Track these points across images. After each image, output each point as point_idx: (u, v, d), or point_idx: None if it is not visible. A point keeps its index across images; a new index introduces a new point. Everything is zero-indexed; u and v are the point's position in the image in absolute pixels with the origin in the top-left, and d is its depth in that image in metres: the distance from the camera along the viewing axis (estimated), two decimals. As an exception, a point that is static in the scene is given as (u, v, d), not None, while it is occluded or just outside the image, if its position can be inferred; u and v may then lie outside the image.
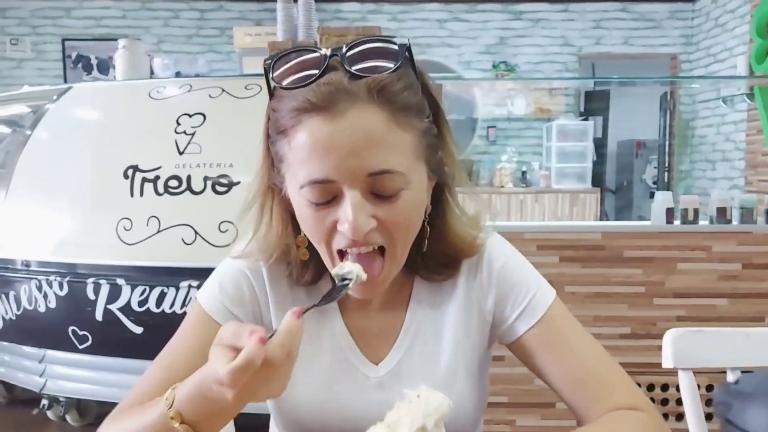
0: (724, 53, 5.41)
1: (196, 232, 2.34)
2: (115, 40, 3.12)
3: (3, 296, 2.58)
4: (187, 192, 2.38)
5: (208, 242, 2.33)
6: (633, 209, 6.79)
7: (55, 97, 2.78)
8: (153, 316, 2.33)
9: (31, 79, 5.63)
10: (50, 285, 2.45)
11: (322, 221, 0.66)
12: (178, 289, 2.31)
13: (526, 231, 2.39)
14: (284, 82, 0.65)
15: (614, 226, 2.61)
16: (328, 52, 0.65)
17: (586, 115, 6.19)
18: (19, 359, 2.70)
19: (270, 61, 0.67)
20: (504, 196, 5.59)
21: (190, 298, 2.31)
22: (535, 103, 6.01)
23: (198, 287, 2.30)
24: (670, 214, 2.49)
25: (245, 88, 2.56)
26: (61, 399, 2.63)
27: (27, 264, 2.52)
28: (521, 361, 0.80)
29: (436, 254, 0.76)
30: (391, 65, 0.65)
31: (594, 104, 6.46)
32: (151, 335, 2.34)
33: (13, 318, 2.58)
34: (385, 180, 0.64)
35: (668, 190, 6.14)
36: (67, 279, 2.43)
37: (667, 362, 1.10)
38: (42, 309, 2.49)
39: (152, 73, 3.02)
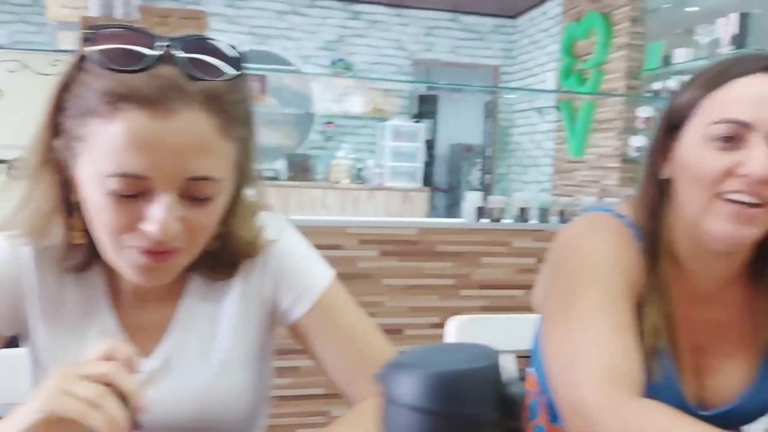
0: (537, 68, 5.97)
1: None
2: None
3: None
4: (-24, 175, 2.13)
5: (1, 232, 2.11)
6: (461, 207, 7.25)
7: None
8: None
9: None
10: None
11: (121, 214, 0.62)
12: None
13: (348, 226, 2.45)
14: (108, 60, 0.60)
15: (428, 222, 2.77)
16: (164, 42, 0.61)
17: (419, 117, 6.49)
18: None
19: (94, 30, 0.61)
20: (339, 191, 5.68)
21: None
22: (372, 102, 6.19)
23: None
24: (479, 212, 2.70)
25: (51, 63, 2.35)
26: None
27: None
28: (302, 345, 0.82)
29: (218, 254, 0.75)
30: (230, 73, 0.63)
31: (426, 107, 6.80)
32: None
33: None
34: (204, 186, 0.63)
35: (488, 191, 6.66)
36: None
37: (450, 347, 1.20)
38: None
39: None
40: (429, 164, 6.33)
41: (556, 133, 5.47)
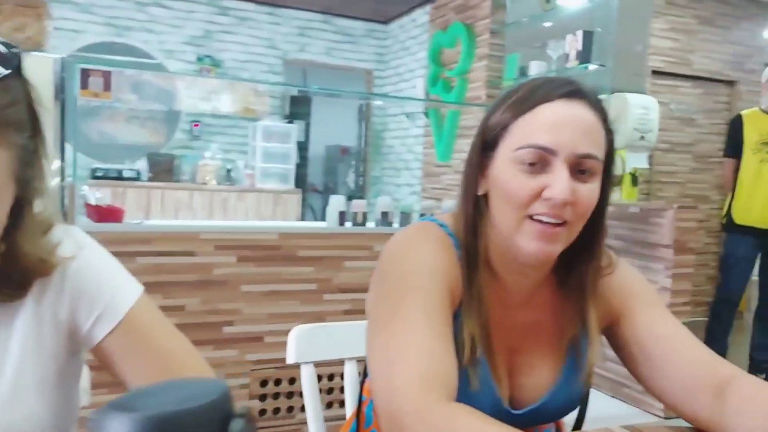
0: (408, 74, 6.11)
1: None
2: None
3: None
4: None
5: None
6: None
7: None
8: None
9: None
10: None
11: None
12: None
13: (203, 231, 2.35)
14: None
15: (290, 227, 2.73)
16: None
17: (291, 118, 6.40)
18: None
19: None
20: (207, 193, 5.47)
21: None
22: (242, 101, 6.02)
23: None
24: (342, 216, 2.69)
25: None
26: None
27: None
28: (107, 369, 0.76)
29: (3, 273, 0.68)
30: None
31: (299, 108, 6.73)
32: None
33: None
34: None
35: (362, 193, 6.72)
36: None
37: (290, 358, 1.17)
38: None
39: None
40: (302, 166, 6.27)
41: (425, 138, 5.62)
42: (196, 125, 5.87)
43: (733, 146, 3.90)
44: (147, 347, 0.74)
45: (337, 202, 2.72)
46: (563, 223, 0.79)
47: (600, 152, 0.81)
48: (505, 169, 0.81)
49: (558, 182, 0.77)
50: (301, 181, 6.20)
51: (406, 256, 0.84)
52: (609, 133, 0.83)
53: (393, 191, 6.29)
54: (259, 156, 5.87)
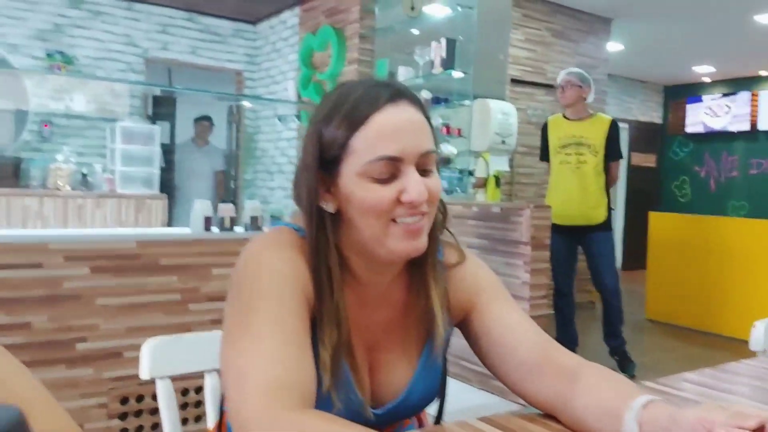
0: (280, 76, 6.02)
1: None
2: None
3: None
4: None
5: None
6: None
7: None
8: None
9: None
10: None
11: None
12: None
13: (51, 242, 2.15)
14: None
15: (150, 234, 2.57)
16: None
17: (154, 119, 6.07)
18: None
19: None
20: (60, 199, 5.03)
21: None
22: (98, 101, 5.62)
23: None
24: (208, 221, 2.59)
25: None
26: None
27: None
28: None
29: None
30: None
31: (162, 109, 6.40)
32: None
33: None
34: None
35: (234, 197, 6.52)
36: None
37: (144, 374, 1.09)
38: None
39: None
40: (167, 169, 5.96)
41: (298, 141, 5.57)
42: (46, 126, 5.39)
43: (543, 150, 4.21)
44: None
45: (202, 207, 2.61)
46: (422, 217, 0.84)
47: (433, 144, 0.85)
48: (357, 185, 0.82)
49: (413, 185, 0.81)
50: (166, 185, 5.90)
51: (258, 264, 0.83)
52: (430, 123, 0.88)
53: (266, 195, 6.17)
54: (119, 159, 5.50)
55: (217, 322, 2.45)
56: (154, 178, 5.70)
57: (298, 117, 5.43)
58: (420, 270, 0.92)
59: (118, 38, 5.70)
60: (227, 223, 2.64)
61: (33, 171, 5.18)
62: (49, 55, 5.33)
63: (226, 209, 2.64)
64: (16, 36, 5.24)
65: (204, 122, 6.03)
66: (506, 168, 4.42)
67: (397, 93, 0.84)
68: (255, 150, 6.42)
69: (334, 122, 0.83)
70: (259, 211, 2.71)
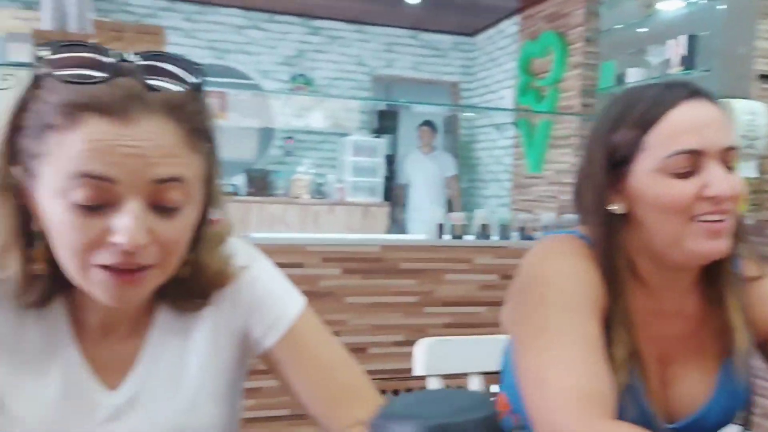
0: (496, 85, 6.07)
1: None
2: None
3: None
4: None
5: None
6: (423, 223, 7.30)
7: None
8: None
9: None
10: None
11: (86, 229, 0.59)
12: None
13: (308, 244, 2.43)
14: (65, 74, 0.59)
15: (392, 239, 2.76)
16: (119, 56, 0.61)
17: (379, 132, 6.51)
18: None
19: (50, 47, 0.60)
20: (299, 207, 5.64)
21: None
22: (332, 117, 6.18)
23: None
24: (441, 229, 2.71)
25: (2, 78, 2.27)
26: None
27: None
28: (274, 375, 0.80)
29: (187, 283, 0.72)
30: (187, 85, 0.63)
31: (386, 123, 6.82)
32: None
33: None
34: (171, 189, 0.61)
35: (450, 206, 6.71)
36: None
37: (418, 370, 1.19)
38: None
39: None
40: (390, 179, 6.35)
41: (514, 149, 5.56)
42: (288, 141, 6.08)
43: None
44: (311, 356, 0.78)
45: (435, 215, 2.74)
46: (726, 218, 0.80)
47: (734, 140, 0.82)
48: (653, 182, 0.81)
49: (717, 179, 0.79)
50: (389, 194, 6.28)
51: (546, 271, 0.84)
52: (731, 121, 0.84)
53: (481, 203, 6.24)
54: (349, 170, 6.00)
55: (450, 326, 2.57)
56: (378, 188, 6.11)
57: (516, 125, 5.42)
58: (716, 281, 0.88)
59: (350, 59, 6.22)
60: (458, 231, 2.74)
61: (279, 181, 5.87)
62: (293, 78, 6.00)
63: (457, 217, 2.74)
64: (267, 63, 5.99)
65: (424, 127, 5.77)
66: (755, 174, 3.95)
67: (695, 91, 0.82)
68: (469, 159, 6.54)
69: (626, 122, 0.83)
70: (488, 220, 2.77)
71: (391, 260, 2.51)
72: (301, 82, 5.98)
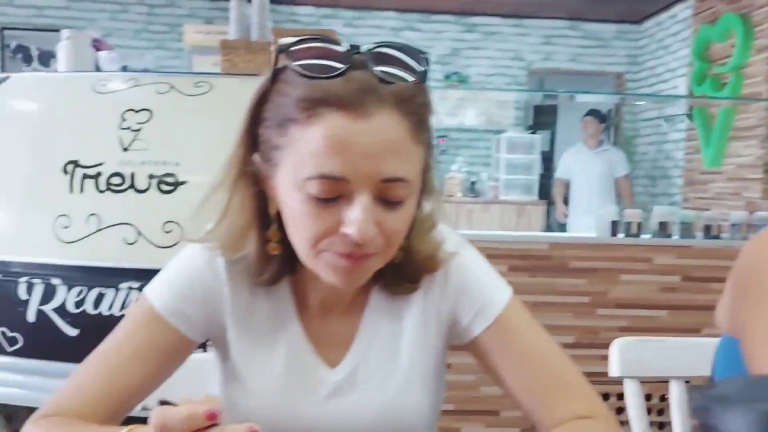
0: (668, 74, 5.63)
1: (138, 232, 2.26)
2: (58, 31, 2.97)
3: (-75, 295, 2.42)
4: (131, 190, 2.29)
5: (151, 242, 2.25)
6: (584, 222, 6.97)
7: (-10, 87, 2.63)
8: (90, 318, 2.23)
9: (-36, 67, 5.35)
10: (-22, 284, 2.31)
11: (321, 219, 0.63)
12: (117, 290, 2.22)
13: (475, 240, 2.40)
14: (305, 69, 0.62)
15: (560, 237, 2.66)
16: (354, 49, 0.63)
17: (534, 128, 6.32)
18: (-60, 362, 2.54)
19: (289, 42, 0.64)
20: (453, 205, 5.64)
21: (131, 301, 2.23)
22: (486, 114, 6.11)
23: (139, 289, 2.21)
24: (614, 226, 2.56)
25: (195, 85, 2.49)
26: (-14, 405, 2.49)
27: (-48, 261, 2.37)
28: (478, 363, 0.80)
29: (400, 268, 0.74)
30: (416, 75, 0.64)
31: (542, 118, 6.61)
32: (87, 338, 2.23)
33: (-64, 318, 2.42)
34: (397, 188, 0.63)
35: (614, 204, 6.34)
36: (-3, 278, 2.30)
37: (613, 371, 1.12)
38: (-32, 309, 2.35)
39: (98, 67, 2.91)
40: (546, 176, 6.14)
41: (687, 143, 5.12)
42: (442, 140, 6.10)
43: None
44: (520, 345, 0.76)
45: (607, 211, 2.59)
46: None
47: None
48: None
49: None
50: (545, 191, 6.08)
51: None
52: None
53: (647, 201, 5.83)
54: (503, 168, 5.89)
55: (625, 330, 2.41)
56: (533, 185, 5.93)
57: (690, 116, 4.99)
58: None
59: (506, 54, 6.11)
60: (633, 229, 2.57)
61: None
62: (447, 77, 6.02)
63: (633, 214, 2.57)
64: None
65: (589, 117, 4.91)
66: None
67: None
68: (634, 155, 6.13)
69: None
70: (668, 217, 2.57)
71: (559, 258, 2.41)
72: (455, 80, 5.97)
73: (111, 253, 2.25)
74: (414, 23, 6.03)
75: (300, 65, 0.62)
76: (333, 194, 0.62)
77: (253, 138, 0.68)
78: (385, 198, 0.63)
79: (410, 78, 0.63)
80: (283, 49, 0.64)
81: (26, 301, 2.27)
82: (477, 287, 0.78)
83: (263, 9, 2.70)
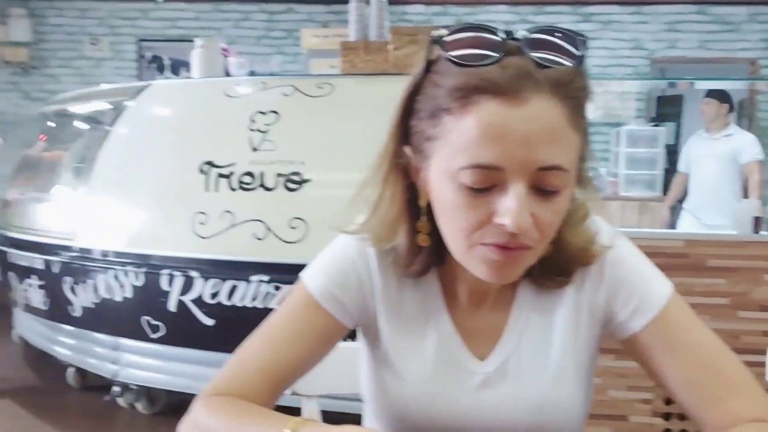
0: (810, 57, 5.13)
1: (267, 228, 2.37)
2: (189, 41, 3.19)
3: (81, 285, 2.68)
4: (260, 188, 2.42)
5: (279, 238, 2.36)
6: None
7: (134, 94, 2.87)
8: (224, 308, 2.38)
9: (108, 77, 5.86)
10: (126, 275, 2.53)
11: (475, 209, 0.62)
12: (249, 283, 2.35)
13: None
14: (459, 58, 0.62)
15: (698, 234, 2.49)
16: (509, 35, 0.62)
17: (657, 120, 5.97)
18: (94, 346, 2.80)
19: (442, 32, 0.63)
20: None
21: (262, 293, 2.34)
22: (604, 107, 5.85)
23: (269, 282, 2.33)
24: (757, 223, 2.36)
25: (317, 86, 2.58)
26: (132, 386, 2.71)
27: (105, 254, 2.61)
28: (635, 360, 0.76)
29: (551, 261, 0.72)
30: (574, 59, 0.62)
31: (666, 109, 6.23)
32: (221, 327, 2.38)
33: (91, 306, 2.68)
34: (553, 176, 0.61)
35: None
36: (143, 270, 2.50)
37: (776, 376, 1.04)
38: (118, 298, 2.57)
39: (227, 72, 3.09)
40: (670, 171, 5.78)
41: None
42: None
43: None
44: (684, 343, 0.72)
45: (749, 207, 2.40)
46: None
47: None
48: None
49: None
50: (669, 187, 5.73)
51: None
52: None
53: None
54: (623, 162, 5.61)
55: (770, 335, 2.22)
56: (657, 181, 5.60)
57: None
58: None
59: (626, 44, 5.83)
60: (779, 226, 2.36)
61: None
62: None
63: (780, 210, 2.36)
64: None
65: (709, 99, 4.10)
66: None
67: None
68: (769, 146, 5.63)
69: None
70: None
71: (697, 257, 2.26)
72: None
73: (243, 248, 2.39)
74: (527, 16, 5.89)
75: (455, 55, 0.62)
76: (487, 184, 0.61)
77: (404, 130, 0.69)
78: (541, 187, 0.61)
79: (568, 63, 0.61)
80: (437, 40, 0.64)
81: (167, 292, 2.46)
82: (635, 281, 0.74)
83: (381, 9, 2.75)
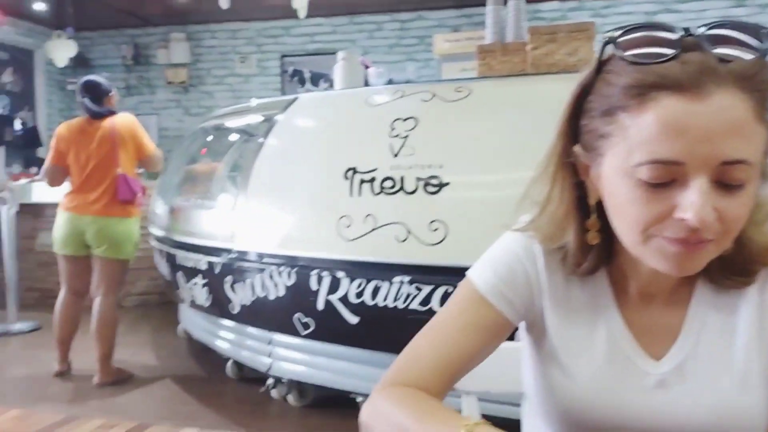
0: None
1: (408, 230, 2.44)
2: (326, 54, 3.37)
3: (240, 284, 2.91)
4: (401, 192, 2.49)
5: (420, 240, 2.42)
6: None
7: (283, 108, 3.08)
8: (368, 308, 2.47)
9: (255, 92, 6.31)
10: (280, 275, 2.72)
11: (653, 204, 0.62)
12: (391, 283, 2.43)
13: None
14: (635, 56, 0.62)
15: None
16: (686, 31, 0.62)
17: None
18: (250, 341, 3.04)
19: (617, 33, 0.64)
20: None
21: (403, 294, 2.42)
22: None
23: (410, 283, 2.40)
24: None
25: (455, 91, 2.61)
26: (284, 380, 2.90)
27: (260, 256, 2.82)
28: None
29: (731, 259, 0.70)
30: (757, 53, 0.61)
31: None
32: (366, 326, 2.49)
33: (247, 303, 2.90)
34: (737, 170, 0.60)
35: None
36: (294, 270, 2.67)
37: None
38: (271, 296, 2.77)
39: (366, 82, 3.22)
40: None
41: None
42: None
43: None
44: None
45: None
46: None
47: None
48: None
49: None
50: None
51: None
52: None
53: None
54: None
55: None
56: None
57: None
58: None
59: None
60: None
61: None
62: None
63: None
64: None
65: None
66: None
67: None
68: None
69: None
70: None
71: None
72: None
73: (385, 250, 2.47)
74: (671, 4, 5.54)
75: (631, 54, 0.62)
76: (666, 179, 0.61)
77: (573, 129, 0.70)
78: (724, 182, 0.60)
79: (749, 56, 0.60)
80: (610, 41, 0.64)
81: (316, 291, 2.61)
82: None
83: (518, 10, 2.73)
